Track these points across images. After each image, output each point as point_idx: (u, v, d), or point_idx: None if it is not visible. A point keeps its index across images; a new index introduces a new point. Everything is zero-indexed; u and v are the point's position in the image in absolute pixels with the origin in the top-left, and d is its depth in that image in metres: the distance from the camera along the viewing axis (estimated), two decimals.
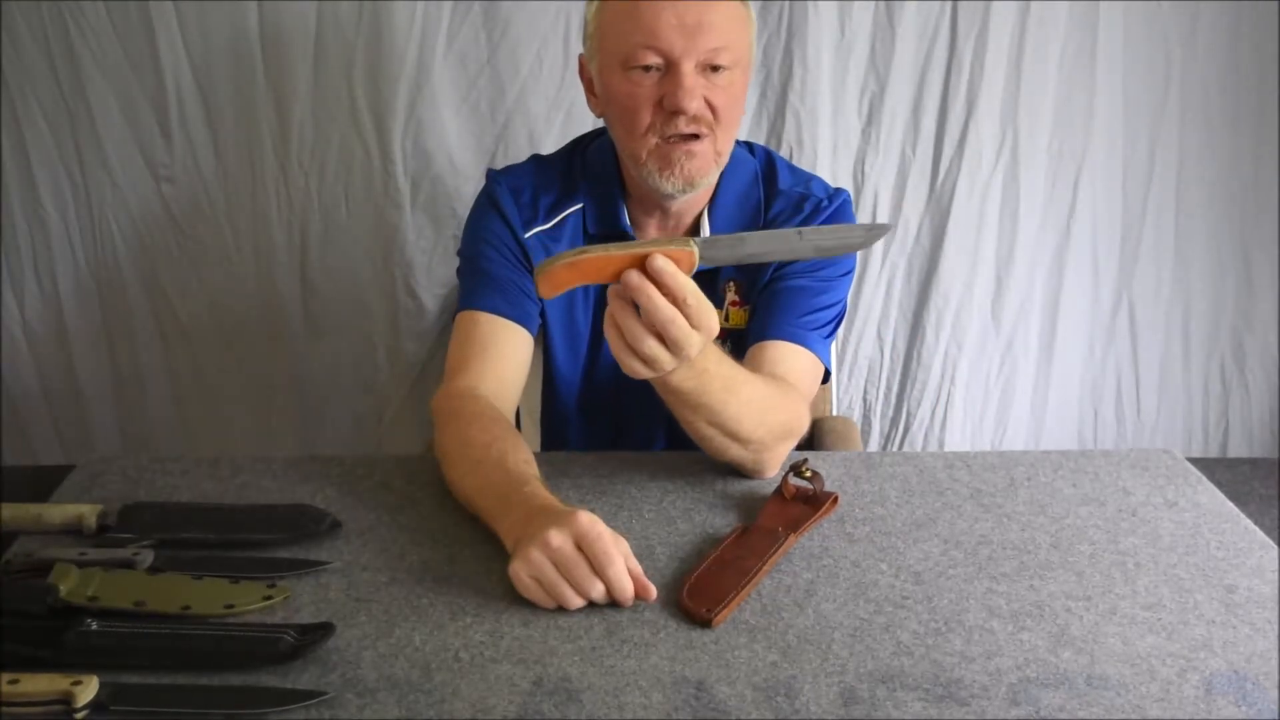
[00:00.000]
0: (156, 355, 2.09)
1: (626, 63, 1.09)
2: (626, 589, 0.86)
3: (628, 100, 1.11)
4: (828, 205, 1.22)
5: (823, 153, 1.97)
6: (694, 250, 0.87)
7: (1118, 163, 2.06)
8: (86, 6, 1.82)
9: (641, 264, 0.86)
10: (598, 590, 0.86)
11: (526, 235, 1.20)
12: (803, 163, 1.95)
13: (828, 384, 1.53)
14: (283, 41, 1.86)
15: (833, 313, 1.20)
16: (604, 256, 0.87)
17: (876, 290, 2.10)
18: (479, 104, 1.92)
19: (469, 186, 1.92)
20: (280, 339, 2.06)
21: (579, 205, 1.22)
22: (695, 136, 1.10)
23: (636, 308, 0.87)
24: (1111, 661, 0.82)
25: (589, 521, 0.87)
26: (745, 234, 0.93)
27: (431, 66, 1.88)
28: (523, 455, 1.02)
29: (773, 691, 0.78)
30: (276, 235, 1.99)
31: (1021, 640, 0.84)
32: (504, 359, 1.16)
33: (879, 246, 2.06)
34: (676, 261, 0.86)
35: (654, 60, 1.08)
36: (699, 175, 1.12)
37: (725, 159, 1.16)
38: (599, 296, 1.24)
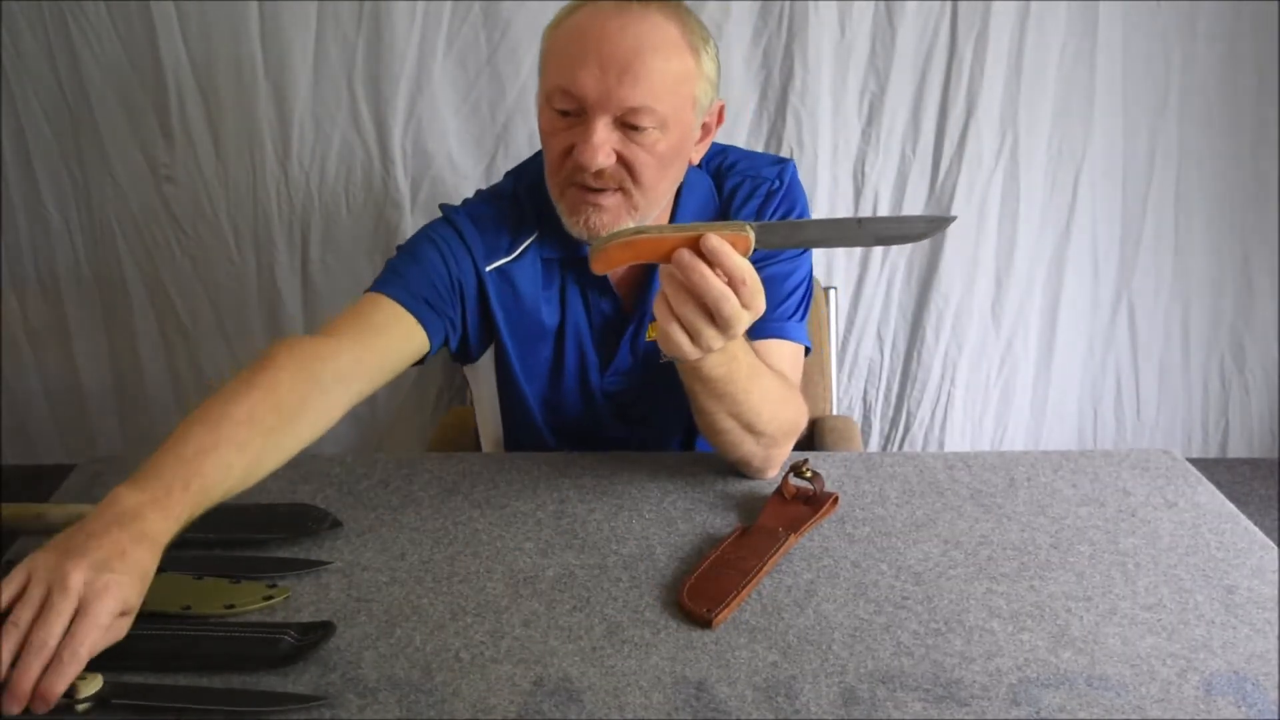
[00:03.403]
0: (157, 354, 2.10)
1: (549, 99, 1.03)
2: (22, 685, 0.70)
3: (546, 137, 1.06)
4: (779, 186, 1.16)
5: (823, 153, 1.97)
6: (750, 235, 0.87)
7: (1117, 163, 2.06)
8: (88, 6, 1.83)
9: (695, 244, 0.85)
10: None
11: (488, 268, 1.14)
12: (803, 163, 1.95)
13: (822, 375, 1.54)
14: (283, 41, 1.86)
15: (801, 291, 1.17)
16: (659, 238, 0.87)
17: (877, 290, 2.10)
18: (479, 104, 1.92)
19: (469, 186, 1.92)
20: (280, 338, 2.06)
21: (534, 234, 1.16)
22: (604, 189, 1.04)
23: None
24: (1111, 662, 0.82)
25: (108, 586, 0.73)
26: (803, 220, 0.90)
27: (432, 67, 1.88)
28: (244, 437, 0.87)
29: (773, 692, 0.78)
30: (277, 235, 1.99)
31: (1021, 641, 0.84)
32: (382, 351, 1.05)
33: (880, 247, 2.06)
34: (732, 245, 0.85)
35: (569, 105, 1.01)
36: (605, 230, 1.04)
37: (653, 210, 1.08)
38: (559, 329, 1.18)
